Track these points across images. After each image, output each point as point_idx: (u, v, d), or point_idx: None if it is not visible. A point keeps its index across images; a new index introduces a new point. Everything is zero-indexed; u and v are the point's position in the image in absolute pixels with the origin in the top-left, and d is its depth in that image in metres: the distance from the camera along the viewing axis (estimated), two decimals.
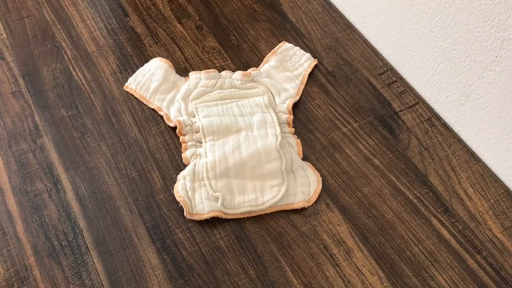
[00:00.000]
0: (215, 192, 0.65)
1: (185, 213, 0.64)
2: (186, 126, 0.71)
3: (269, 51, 0.83)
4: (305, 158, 0.71)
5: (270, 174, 0.66)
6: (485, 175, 0.71)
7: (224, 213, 0.65)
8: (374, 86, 0.80)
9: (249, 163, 0.67)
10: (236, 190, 0.66)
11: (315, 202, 0.67)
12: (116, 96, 0.77)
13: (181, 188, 0.66)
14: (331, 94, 0.78)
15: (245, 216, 0.65)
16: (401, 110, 0.77)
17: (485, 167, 0.72)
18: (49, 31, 0.84)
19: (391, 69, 0.82)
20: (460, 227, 0.66)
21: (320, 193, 0.68)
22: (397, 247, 0.64)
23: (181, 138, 0.71)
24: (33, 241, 0.63)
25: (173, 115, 0.73)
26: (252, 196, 0.66)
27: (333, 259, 0.63)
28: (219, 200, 0.64)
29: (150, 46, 0.83)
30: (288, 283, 0.61)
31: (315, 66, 0.81)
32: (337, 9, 0.90)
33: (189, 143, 0.70)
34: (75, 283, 0.60)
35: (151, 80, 0.76)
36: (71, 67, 0.80)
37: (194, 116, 0.73)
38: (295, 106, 0.76)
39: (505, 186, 0.70)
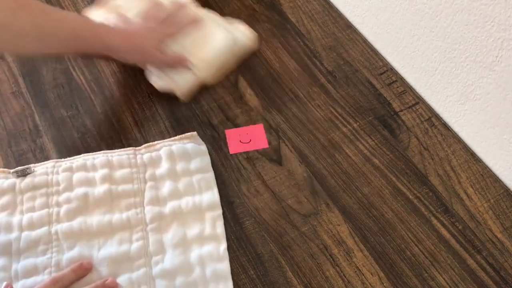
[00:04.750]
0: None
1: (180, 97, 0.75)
2: None
3: (269, 51, 0.83)
4: (305, 158, 0.71)
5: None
6: (485, 175, 0.71)
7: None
8: (374, 86, 0.80)
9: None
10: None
11: (315, 202, 0.67)
12: (116, 96, 0.77)
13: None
14: (331, 94, 0.78)
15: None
16: (401, 110, 0.77)
17: (485, 167, 0.72)
18: None
19: (391, 69, 0.82)
20: (460, 227, 0.66)
21: (320, 194, 0.68)
22: (397, 247, 0.64)
23: None
24: None
25: None
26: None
27: (333, 259, 0.63)
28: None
29: None
30: (288, 283, 0.61)
31: (315, 65, 0.81)
32: (337, 9, 0.90)
33: None
34: None
35: None
36: (71, 67, 0.80)
37: None
38: (295, 105, 0.76)
39: (505, 186, 0.70)
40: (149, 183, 0.66)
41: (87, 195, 0.64)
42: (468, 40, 0.67)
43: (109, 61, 0.80)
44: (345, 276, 0.62)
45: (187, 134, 0.71)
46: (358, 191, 0.68)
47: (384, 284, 0.61)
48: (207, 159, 0.69)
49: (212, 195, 0.66)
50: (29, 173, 0.65)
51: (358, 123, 0.75)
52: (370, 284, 0.61)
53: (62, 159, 0.67)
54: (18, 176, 0.65)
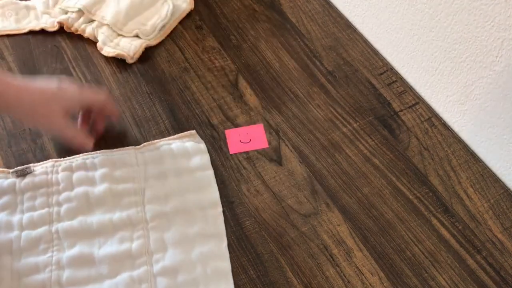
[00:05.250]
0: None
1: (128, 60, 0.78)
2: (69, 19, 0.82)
3: (269, 51, 0.83)
4: (305, 158, 0.71)
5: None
6: (485, 175, 0.71)
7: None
8: (374, 86, 0.80)
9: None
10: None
11: (315, 202, 0.67)
12: (116, 96, 0.77)
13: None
14: (331, 94, 0.78)
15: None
16: (401, 110, 0.77)
17: (485, 167, 0.72)
18: (49, 31, 0.84)
19: (391, 69, 0.82)
20: (460, 227, 0.66)
21: (320, 194, 0.68)
22: (397, 247, 0.64)
23: (73, 29, 0.82)
24: None
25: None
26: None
27: (333, 259, 0.63)
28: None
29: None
30: (288, 283, 0.61)
31: (315, 65, 0.81)
32: (337, 9, 0.90)
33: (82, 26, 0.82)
34: None
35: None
36: (71, 67, 0.80)
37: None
38: (295, 105, 0.76)
39: (505, 186, 0.70)
40: (149, 181, 0.66)
41: (87, 194, 0.64)
42: (468, 40, 0.67)
43: (108, 61, 0.80)
44: (345, 276, 0.62)
45: (186, 132, 0.71)
46: (358, 191, 0.68)
47: (384, 284, 0.61)
48: (206, 157, 0.70)
49: (212, 193, 0.66)
50: (28, 173, 0.65)
51: (358, 123, 0.75)
52: (370, 284, 0.61)
53: (62, 159, 0.67)
54: (18, 176, 0.65)
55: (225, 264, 0.61)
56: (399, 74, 0.81)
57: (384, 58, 0.83)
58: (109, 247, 0.61)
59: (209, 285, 0.59)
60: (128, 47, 0.80)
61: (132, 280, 0.59)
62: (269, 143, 0.73)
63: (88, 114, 0.70)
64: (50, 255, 0.60)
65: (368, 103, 0.77)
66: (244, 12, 0.89)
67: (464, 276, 0.62)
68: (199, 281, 0.59)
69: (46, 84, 0.64)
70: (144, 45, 0.81)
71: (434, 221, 0.66)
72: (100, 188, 0.64)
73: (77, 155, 0.68)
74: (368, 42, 0.85)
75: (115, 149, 0.69)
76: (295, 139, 0.73)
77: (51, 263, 0.59)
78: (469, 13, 0.65)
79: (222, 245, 0.62)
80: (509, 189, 0.70)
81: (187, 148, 0.70)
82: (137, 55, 0.80)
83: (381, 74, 0.81)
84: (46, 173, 0.66)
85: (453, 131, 0.75)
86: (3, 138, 0.71)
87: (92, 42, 0.82)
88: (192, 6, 0.88)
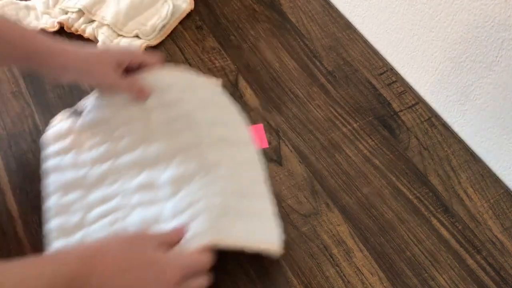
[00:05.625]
0: None
1: None
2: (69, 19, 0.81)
3: (269, 51, 0.83)
4: (305, 158, 0.71)
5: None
6: (485, 175, 0.71)
7: None
8: (374, 86, 0.80)
9: None
10: None
11: (315, 202, 0.67)
12: None
13: None
14: (331, 94, 0.78)
15: None
16: (401, 110, 0.77)
17: (485, 167, 0.72)
18: (49, 31, 0.84)
19: (391, 69, 0.82)
20: (460, 227, 0.66)
21: (320, 194, 0.68)
22: (397, 247, 0.64)
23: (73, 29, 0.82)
24: (33, 241, 0.63)
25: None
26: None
27: (333, 259, 0.63)
28: None
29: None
30: (288, 283, 0.61)
31: (315, 65, 0.81)
32: (337, 9, 0.90)
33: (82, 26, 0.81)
34: None
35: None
36: None
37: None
38: (295, 105, 0.76)
39: (505, 186, 0.70)
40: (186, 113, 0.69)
41: (142, 124, 0.68)
42: (468, 40, 0.67)
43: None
44: (345, 276, 0.62)
45: (212, 79, 0.76)
46: (358, 191, 0.68)
47: (384, 284, 0.61)
48: (222, 94, 0.73)
49: (235, 113, 0.71)
50: (80, 111, 0.70)
51: (358, 123, 0.75)
52: (370, 284, 0.61)
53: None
54: (73, 117, 0.69)
55: (254, 153, 0.67)
56: (399, 74, 0.81)
57: (384, 58, 0.83)
58: (170, 171, 0.64)
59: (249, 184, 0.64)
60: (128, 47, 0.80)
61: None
62: (269, 143, 0.73)
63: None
64: (117, 185, 0.64)
65: (368, 103, 0.77)
66: (244, 12, 0.89)
67: (464, 276, 0.62)
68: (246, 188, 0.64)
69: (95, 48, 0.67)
70: (144, 45, 0.81)
71: (434, 221, 0.66)
72: (152, 119, 0.68)
73: None
74: (368, 42, 0.85)
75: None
76: (295, 139, 0.73)
77: (119, 193, 0.63)
78: (469, 13, 0.65)
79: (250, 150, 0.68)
80: (509, 189, 0.70)
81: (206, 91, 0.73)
82: None
83: (381, 74, 0.81)
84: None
85: (453, 131, 0.75)
86: (3, 138, 0.71)
87: (92, 43, 0.82)
88: (192, 6, 0.88)
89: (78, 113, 0.69)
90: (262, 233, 0.61)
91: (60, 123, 0.70)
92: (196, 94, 0.70)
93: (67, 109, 0.70)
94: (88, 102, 0.70)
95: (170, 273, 0.53)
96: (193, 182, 0.63)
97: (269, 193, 0.65)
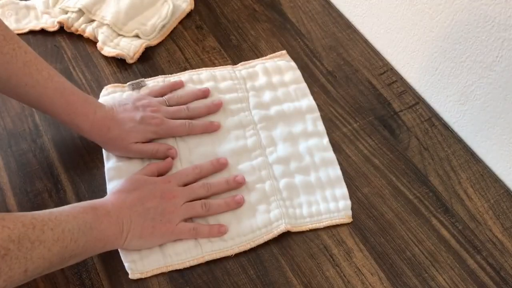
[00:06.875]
0: None
1: (128, 60, 0.79)
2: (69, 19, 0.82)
3: (269, 51, 0.83)
4: None
5: None
6: (485, 175, 0.71)
7: None
8: (374, 86, 0.80)
9: None
10: None
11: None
12: None
13: None
14: (331, 94, 0.78)
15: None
16: (401, 110, 0.77)
17: (485, 167, 0.72)
18: (49, 31, 0.84)
19: (391, 69, 0.82)
20: (460, 227, 0.66)
21: None
22: (397, 247, 0.64)
23: (73, 29, 0.82)
24: None
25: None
26: None
27: (333, 259, 0.63)
28: None
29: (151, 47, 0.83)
30: (288, 283, 0.61)
31: (315, 65, 0.81)
32: (337, 9, 0.90)
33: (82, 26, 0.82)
34: (75, 283, 0.60)
35: None
36: (71, 67, 0.80)
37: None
38: None
39: (505, 186, 0.70)
40: (251, 92, 0.76)
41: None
42: (468, 40, 0.67)
43: (108, 61, 0.80)
44: (345, 276, 0.62)
45: (277, 53, 0.81)
46: (358, 191, 0.68)
47: (384, 284, 0.61)
48: (298, 73, 0.79)
49: (309, 101, 0.76)
50: (142, 86, 0.75)
51: (358, 123, 0.75)
52: (370, 284, 0.61)
53: (170, 75, 0.77)
54: (134, 89, 0.75)
55: (330, 155, 0.70)
56: (399, 74, 0.81)
57: (384, 58, 0.83)
58: (228, 144, 0.70)
59: (318, 171, 0.68)
60: (128, 47, 0.80)
61: (253, 168, 0.68)
62: None
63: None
64: (178, 158, 0.69)
65: (368, 103, 0.77)
66: (244, 12, 0.89)
67: (464, 276, 0.62)
68: (309, 167, 0.69)
69: (130, 114, 0.67)
70: (144, 45, 0.81)
71: (434, 221, 0.66)
72: (209, 98, 0.74)
73: (184, 72, 0.78)
74: (368, 42, 0.85)
75: (215, 67, 0.79)
76: None
77: (180, 161, 0.69)
78: (469, 13, 0.65)
79: (324, 141, 0.72)
80: (509, 189, 0.70)
81: (279, 66, 0.79)
82: (137, 55, 0.80)
83: (381, 74, 0.81)
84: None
85: (453, 131, 0.75)
86: (3, 138, 0.71)
87: (92, 42, 0.82)
88: (192, 6, 0.88)
89: (139, 87, 0.75)
90: (334, 205, 0.66)
91: (119, 92, 0.75)
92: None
93: (132, 81, 0.75)
94: (151, 82, 0.76)
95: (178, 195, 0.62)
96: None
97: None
